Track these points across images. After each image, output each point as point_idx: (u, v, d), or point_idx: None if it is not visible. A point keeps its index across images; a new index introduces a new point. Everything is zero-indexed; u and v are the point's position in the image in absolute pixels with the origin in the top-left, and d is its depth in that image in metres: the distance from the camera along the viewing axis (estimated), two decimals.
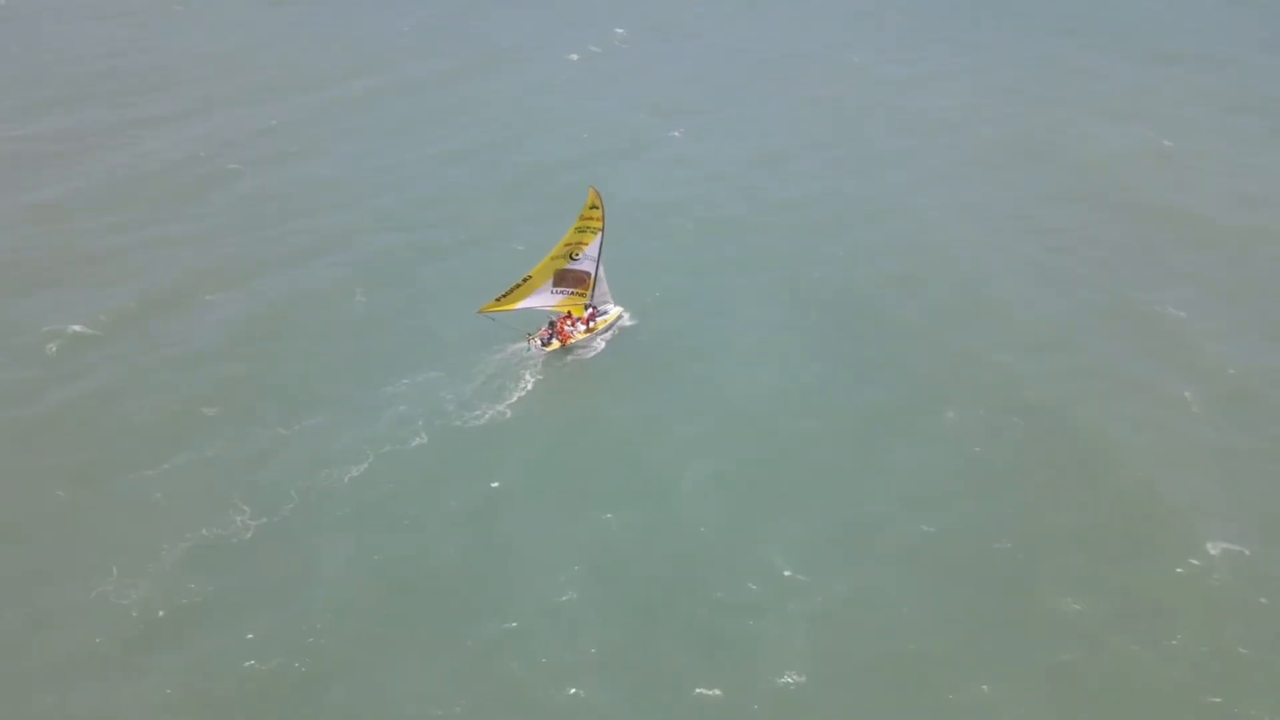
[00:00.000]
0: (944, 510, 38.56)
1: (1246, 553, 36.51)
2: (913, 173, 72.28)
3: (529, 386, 45.72)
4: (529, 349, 49.64)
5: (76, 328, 48.51)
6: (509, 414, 43.51)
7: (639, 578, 35.20)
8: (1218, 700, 31.00)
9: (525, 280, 51.26)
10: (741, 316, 53.14)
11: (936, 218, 64.86)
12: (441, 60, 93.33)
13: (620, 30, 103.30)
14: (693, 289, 56.01)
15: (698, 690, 30.90)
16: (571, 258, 51.47)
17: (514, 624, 32.91)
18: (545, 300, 51.82)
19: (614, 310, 53.21)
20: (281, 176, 67.86)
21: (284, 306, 52.43)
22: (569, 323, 51.33)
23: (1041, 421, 43.94)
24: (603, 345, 50.82)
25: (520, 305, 51.31)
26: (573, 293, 52.05)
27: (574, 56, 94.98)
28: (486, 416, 43.08)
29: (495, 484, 39.45)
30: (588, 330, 51.73)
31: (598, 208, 50.67)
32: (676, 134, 78.02)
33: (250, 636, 31.98)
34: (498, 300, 50.89)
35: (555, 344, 50.18)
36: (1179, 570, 35.90)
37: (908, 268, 58.10)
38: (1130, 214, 65.94)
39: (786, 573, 35.18)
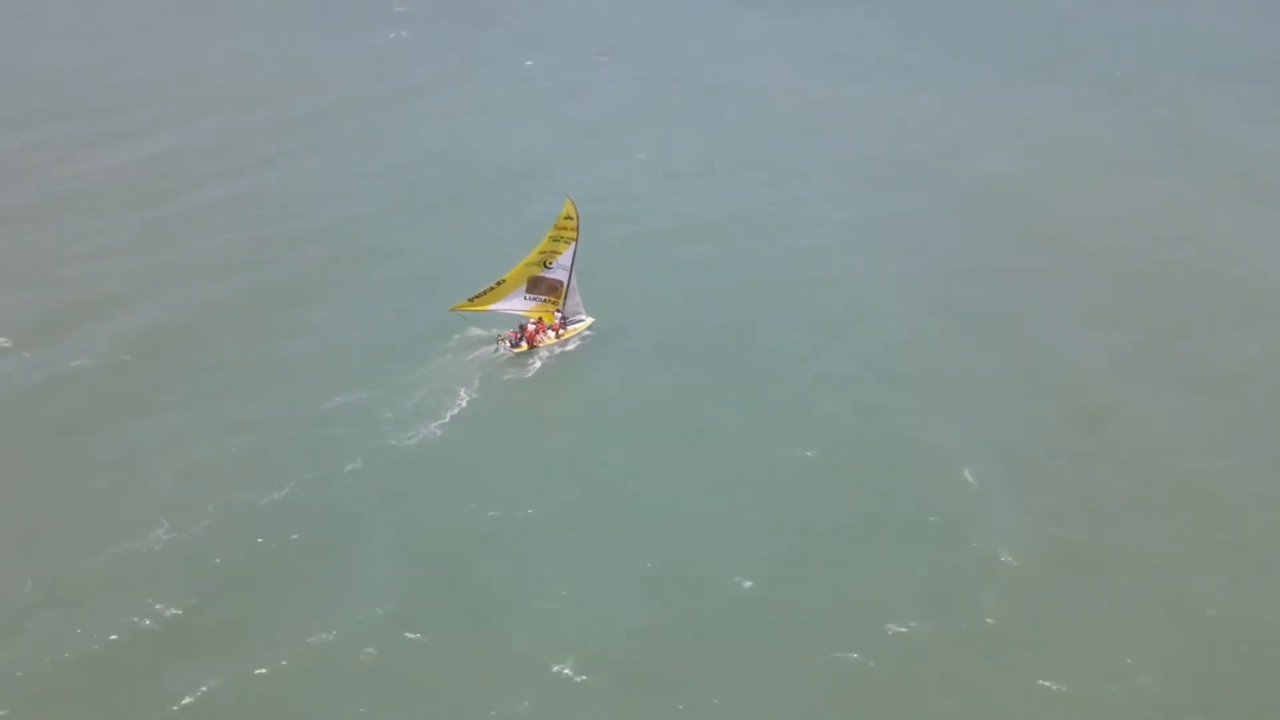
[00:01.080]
0: (773, 511, 41.08)
1: (1057, 549, 39.52)
2: (820, 190, 74.17)
3: (464, 404, 46.42)
4: (498, 350, 50.44)
5: None
6: (439, 433, 44.42)
7: (468, 586, 36.79)
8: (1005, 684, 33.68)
9: (499, 284, 51.65)
10: (648, 323, 54.36)
11: (831, 235, 66.75)
12: (408, 78, 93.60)
13: (601, 58, 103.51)
14: (618, 296, 55.92)
15: (494, 693, 32.62)
16: (545, 265, 51.47)
17: (332, 633, 34.33)
18: (518, 305, 52.12)
19: (585, 320, 53.03)
20: (228, 191, 68.16)
21: (223, 316, 52.93)
22: (540, 328, 51.63)
23: (889, 428, 46.48)
24: (539, 364, 50.96)
25: (492, 307, 51.89)
26: (545, 300, 52.12)
27: (546, 84, 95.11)
28: (419, 436, 44.01)
29: (386, 501, 40.73)
30: (557, 337, 51.98)
31: (572, 218, 50.28)
32: (642, 156, 78.81)
33: (144, 619, 34.40)
34: (471, 300, 51.56)
35: (523, 346, 50.84)
36: (981, 563, 38.67)
37: (801, 280, 60.13)
38: (1024, 235, 67.19)
39: (612, 575, 37.40)
